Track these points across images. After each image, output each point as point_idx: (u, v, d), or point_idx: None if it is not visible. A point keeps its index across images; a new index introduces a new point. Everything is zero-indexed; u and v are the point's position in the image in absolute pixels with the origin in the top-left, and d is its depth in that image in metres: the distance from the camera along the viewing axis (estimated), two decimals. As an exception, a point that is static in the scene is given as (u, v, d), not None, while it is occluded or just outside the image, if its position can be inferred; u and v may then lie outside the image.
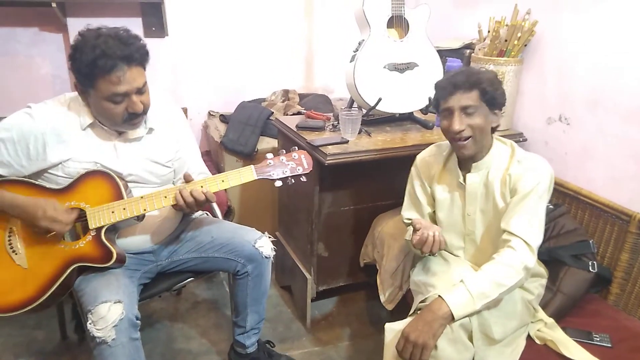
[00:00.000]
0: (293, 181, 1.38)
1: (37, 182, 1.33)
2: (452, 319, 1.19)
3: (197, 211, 1.36)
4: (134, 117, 1.31)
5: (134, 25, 2.41)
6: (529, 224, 1.27)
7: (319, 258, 1.91)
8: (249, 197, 2.45)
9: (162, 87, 2.52)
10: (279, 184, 1.36)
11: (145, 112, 1.34)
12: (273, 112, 2.48)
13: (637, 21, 1.54)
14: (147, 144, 1.43)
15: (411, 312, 1.34)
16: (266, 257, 1.53)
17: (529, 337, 1.40)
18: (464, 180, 1.39)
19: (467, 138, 1.30)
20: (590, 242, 1.63)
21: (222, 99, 2.71)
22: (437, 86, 1.34)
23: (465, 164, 1.39)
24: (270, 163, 1.36)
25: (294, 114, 2.42)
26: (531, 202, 1.28)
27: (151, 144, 1.43)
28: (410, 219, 1.46)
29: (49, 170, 1.32)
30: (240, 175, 1.35)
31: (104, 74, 1.21)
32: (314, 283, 1.94)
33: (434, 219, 1.50)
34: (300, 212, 1.97)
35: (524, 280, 1.28)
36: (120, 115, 1.29)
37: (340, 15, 2.70)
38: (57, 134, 1.30)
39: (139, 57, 1.27)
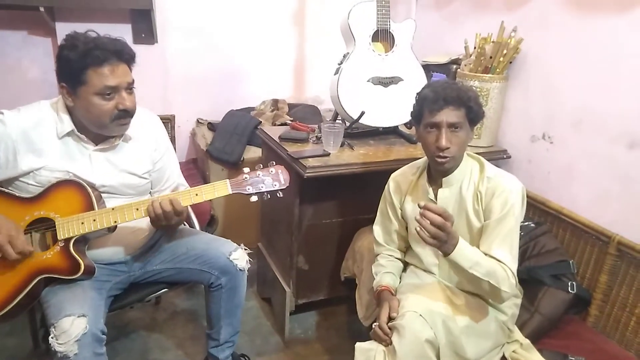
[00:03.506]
0: (269, 196, 1.36)
1: (6, 190, 1.31)
2: (451, 252, 1.19)
3: (173, 223, 1.33)
4: (123, 116, 1.31)
5: (124, 32, 2.41)
6: (510, 253, 1.27)
7: (298, 271, 1.89)
8: (233, 207, 2.44)
9: (150, 94, 2.51)
10: (254, 199, 1.34)
11: (132, 114, 1.34)
12: (261, 122, 2.48)
13: (622, 42, 1.53)
14: (123, 155, 1.41)
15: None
16: (240, 270, 1.51)
17: (503, 358, 1.39)
18: (435, 196, 1.38)
19: (449, 157, 1.29)
20: (571, 262, 1.63)
21: (212, 107, 2.70)
22: (425, 98, 1.30)
23: (436, 180, 1.39)
24: (246, 178, 1.34)
25: (282, 124, 2.41)
26: (509, 225, 1.27)
27: (128, 155, 1.42)
28: (380, 268, 1.47)
29: (20, 178, 1.30)
30: (214, 190, 1.33)
31: (95, 66, 1.23)
32: (293, 296, 1.92)
33: (401, 236, 1.51)
34: (281, 223, 1.95)
35: (504, 298, 1.28)
36: (109, 113, 1.28)
37: (331, 26, 2.69)
38: (30, 141, 1.29)
39: (128, 56, 1.30)
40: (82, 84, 1.25)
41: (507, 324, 1.39)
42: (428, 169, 1.42)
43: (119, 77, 1.27)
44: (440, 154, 1.28)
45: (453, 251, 1.19)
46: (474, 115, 1.30)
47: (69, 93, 1.28)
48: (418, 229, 1.16)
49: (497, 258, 1.25)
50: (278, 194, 1.36)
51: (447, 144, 1.27)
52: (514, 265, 1.27)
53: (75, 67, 1.23)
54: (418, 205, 1.18)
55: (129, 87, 1.32)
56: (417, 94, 1.35)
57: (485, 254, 1.27)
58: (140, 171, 1.44)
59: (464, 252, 1.20)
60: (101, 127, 1.32)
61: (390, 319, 1.29)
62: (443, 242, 1.17)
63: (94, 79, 1.24)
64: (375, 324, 1.30)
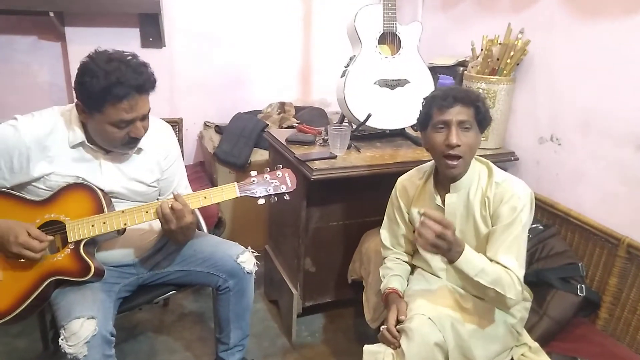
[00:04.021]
0: (276, 199, 1.37)
1: (17, 194, 1.32)
2: (456, 259, 1.18)
3: (182, 225, 1.32)
4: (134, 142, 1.33)
5: (132, 36, 2.43)
6: (517, 259, 1.25)
7: (305, 273, 1.90)
8: (240, 210, 2.45)
9: (158, 97, 2.52)
10: (261, 202, 1.35)
11: (143, 137, 1.35)
12: (268, 125, 2.49)
13: (629, 44, 1.53)
14: (133, 163, 1.42)
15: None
16: (248, 273, 1.52)
17: (512, 362, 1.38)
18: (442, 202, 1.37)
19: (459, 158, 1.27)
20: (580, 265, 1.61)
21: (219, 110, 2.72)
22: (434, 97, 1.30)
23: (444, 185, 1.38)
24: (253, 181, 1.35)
25: (289, 127, 2.42)
26: (516, 231, 1.26)
27: (138, 163, 1.43)
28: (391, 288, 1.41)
29: (31, 183, 1.31)
30: (222, 193, 1.34)
31: (115, 102, 1.22)
32: (300, 298, 1.92)
33: (409, 239, 1.50)
34: (288, 226, 1.96)
35: (510, 305, 1.26)
36: (120, 140, 1.29)
37: (338, 29, 2.69)
38: (42, 148, 1.29)
39: (149, 86, 1.28)
40: (98, 112, 1.24)
41: (516, 327, 1.38)
42: (435, 174, 1.41)
43: (136, 111, 1.26)
44: (450, 152, 1.26)
45: (458, 259, 1.18)
46: (482, 116, 1.29)
47: (84, 111, 1.28)
48: (418, 237, 1.16)
49: (503, 264, 1.24)
50: (285, 197, 1.37)
51: (458, 141, 1.25)
52: (520, 271, 1.25)
53: (93, 97, 1.22)
54: (418, 212, 1.17)
55: (144, 118, 1.31)
56: (424, 98, 1.35)
57: (491, 260, 1.26)
58: (149, 180, 1.45)
59: (470, 260, 1.19)
60: (112, 147, 1.34)
61: (398, 322, 1.28)
62: (445, 250, 1.16)
63: (111, 112, 1.23)
64: (383, 326, 1.29)
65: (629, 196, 1.56)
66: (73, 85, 1.28)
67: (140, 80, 1.24)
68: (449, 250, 1.17)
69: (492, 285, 1.20)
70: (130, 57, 1.27)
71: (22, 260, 1.26)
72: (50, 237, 1.25)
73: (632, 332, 1.53)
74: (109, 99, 1.21)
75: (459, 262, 1.18)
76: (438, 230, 1.13)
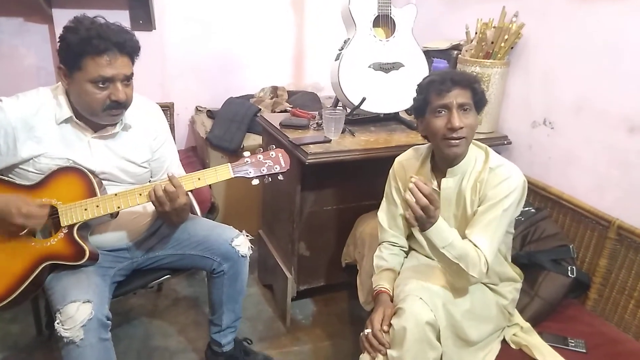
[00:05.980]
0: (270, 179, 1.37)
1: (6, 178, 1.30)
2: (427, 229, 1.18)
3: (177, 206, 1.30)
4: (115, 107, 1.29)
5: (121, 18, 2.36)
6: (490, 241, 1.25)
7: (300, 257, 1.90)
8: (234, 194, 2.44)
9: (149, 81, 2.50)
10: (255, 182, 1.35)
11: (126, 106, 1.32)
12: (260, 109, 2.47)
13: (623, 27, 1.53)
14: (122, 142, 1.40)
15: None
16: (242, 256, 1.52)
17: (504, 341, 1.40)
18: (439, 185, 1.38)
19: (461, 138, 1.27)
20: (571, 247, 1.64)
21: (210, 95, 2.69)
22: (432, 82, 1.28)
23: (441, 169, 1.38)
24: (247, 161, 1.35)
25: (281, 112, 2.41)
26: (496, 213, 1.26)
27: (127, 143, 1.41)
28: (381, 285, 1.40)
29: (20, 166, 1.29)
30: (216, 174, 1.33)
31: (94, 55, 1.21)
32: (294, 282, 1.93)
33: (406, 220, 1.49)
34: (282, 210, 1.96)
35: (470, 282, 1.27)
36: (101, 102, 1.26)
37: (331, 12, 2.67)
38: (29, 128, 1.28)
39: (131, 48, 1.28)
40: (78, 69, 1.23)
41: (507, 308, 1.40)
42: (432, 158, 1.41)
43: (116, 68, 1.24)
44: (454, 135, 1.25)
45: (429, 228, 1.18)
46: (478, 98, 1.29)
47: (66, 76, 1.27)
48: (407, 213, 1.16)
49: (474, 243, 1.24)
50: (279, 177, 1.37)
51: (460, 123, 1.24)
52: (490, 253, 1.24)
53: (73, 51, 1.22)
54: (410, 178, 1.17)
55: (126, 79, 1.29)
56: (418, 85, 1.33)
57: (465, 237, 1.27)
58: (139, 159, 1.44)
59: (440, 232, 1.19)
60: (92, 114, 1.31)
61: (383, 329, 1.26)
62: (422, 221, 1.16)
63: (90, 66, 1.22)
64: (367, 330, 1.27)
65: (620, 179, 1.58)
66: (57, 49, 1.27)
67: (121, 38, 1.24)
68: (424, 221, 1.17)
69: (457, 260, 1.20)
70: (115, 23, 1.27)
71: (17, 240, 1.25)
72: (46, 207, 1.24)
73: (620, 312, 1.57)
74: (89, 50, 1.21)
75: (429, 232, 1.18)
76: (423, 203, 1.13)
